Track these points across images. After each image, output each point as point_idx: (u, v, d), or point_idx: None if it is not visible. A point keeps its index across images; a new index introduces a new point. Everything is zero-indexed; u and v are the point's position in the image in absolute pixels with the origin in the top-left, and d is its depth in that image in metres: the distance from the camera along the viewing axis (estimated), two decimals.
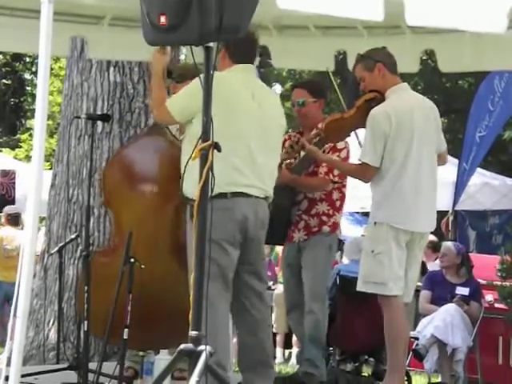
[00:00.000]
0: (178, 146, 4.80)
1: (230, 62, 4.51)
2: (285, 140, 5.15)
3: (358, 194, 9.60)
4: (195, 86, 4.01)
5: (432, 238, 9.83)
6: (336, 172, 5.29)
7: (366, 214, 12.43)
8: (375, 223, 4.87)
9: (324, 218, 5.31)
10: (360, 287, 4.93)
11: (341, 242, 10.65)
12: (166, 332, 4.43)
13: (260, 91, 4.57)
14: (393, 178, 4.84)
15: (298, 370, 5.31)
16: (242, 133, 4.38)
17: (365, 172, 4.90)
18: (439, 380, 7.46)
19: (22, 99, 22.97)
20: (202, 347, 3.17)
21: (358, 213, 13.38)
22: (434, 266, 8.78)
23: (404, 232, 4.83)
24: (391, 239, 4.81)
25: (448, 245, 8.05)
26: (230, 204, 4.32)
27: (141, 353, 4.59)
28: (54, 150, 9.19)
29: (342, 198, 5.41)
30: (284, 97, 15.18)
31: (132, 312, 4.16)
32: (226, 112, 4.31)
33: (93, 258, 4.62)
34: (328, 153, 5.28)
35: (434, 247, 9.24)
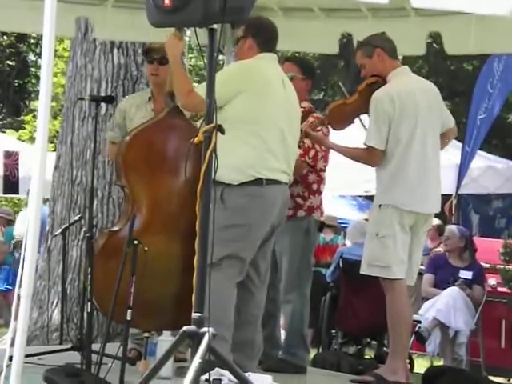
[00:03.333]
0: (197, 128, 4.79)
1: (257, 51, 4.55)
2: None
3: (361, 178, 9.63)
4: (230, 72, 4.03)
5: (437, 221, 9.85)
6: (311, 154, 5.23)
7: (369, 198, 12.46)
8: (380, 206, 4.86)
9: (299, 201, 5.23)
10: (364, 270, 4.93)
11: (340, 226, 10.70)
12: (176, 313, 4.45)
13: (286, 79, 4.63)
14: (398, 161, 4.84)
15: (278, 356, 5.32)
16: (277, 119, 4.44)
17: (371, 156, 4.89)
18: (441, 363, 7.48)
19: (25, 80, 22.95)
20: (204, 329, 3.18)
21: (360, 197, 13.39)
22: None
23: (409, 214, 4.83)
24: (396, 222, 4.81)
25: (452, 228, 8.05)
26: (264, 191, 4.38)
27: (145, 334, 4.60)
28: (57, 132, 9.18)
29: (320, 182, 5.30)
30: None
31: (145, 292, 4.19)
32: (262, 97, 4.38)
33: (108, 236, 4.63)
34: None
35: (441, 231, 9.24)
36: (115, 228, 4.75)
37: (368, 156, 4.92)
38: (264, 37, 4.55)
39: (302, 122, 5.13)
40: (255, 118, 4.35)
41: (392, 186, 4.84)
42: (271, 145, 4.40)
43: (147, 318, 4.48)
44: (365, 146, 4.91)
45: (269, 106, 4.41)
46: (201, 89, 4.39)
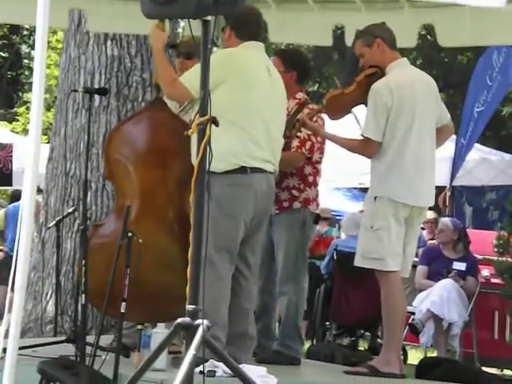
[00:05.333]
0: (180, 119, 4.80)
1: (237, 41, 4.54)
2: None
3: (356, 170, 9.63)
4: (212, 61, 3.99)
5: (434, 214, 9.87)
6: (308, 146, 5.23)
7: (364, 190, 12.46)
8: (375, 198, 4.86)
9: (294, 193, 5.21)
10: (358, 262, 4.92)
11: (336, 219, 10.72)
12: (168, 304, 4.44)
13: (272, 67, 4.62)
14: (395, 153, 4.83)
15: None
16: (260, 107, 4.42)
17: (368, 147, 4.88)
18: (435, 354, 7.50)
19: (19, 72, 22.88)
20: (199, 321, 3.18)
21: (355, 189, 13.40)
22: None
23: (404, 207, 4.83)
24: (390, 215, 4.80)
25: (445, 221, 8.07)
26: (249, 180, 4.38)
27: (138, 326, 4.59)
28: (51, 124, 9.17)
29: (316, 174, 5.28)
30: None
31: (133, 284, 4.18)
32: (245, 86, 4.38)
33: (93, 230, 4.62)
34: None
35: (437, 224, 9.26)
36: (99, 222, 4.75)
37: (364, 147, 4.91)
38: (241, 26, 4.51)
39: (297, 113, 5.13)
40: (237, 108, 4.32)
41: (388, 177, 4.84)
42: (254, 134, 4.39)
43: (137, 310, 4.46)
44: (360, 137, 4.91)
45: (251, 96, 4.39)
46: (184, 78, 4.40)
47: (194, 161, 4.26)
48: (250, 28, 4.54)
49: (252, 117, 4.40)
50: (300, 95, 5.32)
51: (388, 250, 4.81)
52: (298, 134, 5.15)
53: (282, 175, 5.14)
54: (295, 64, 5.33)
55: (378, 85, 4.85)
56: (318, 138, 5.26)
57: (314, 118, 5.16)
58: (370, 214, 4.90)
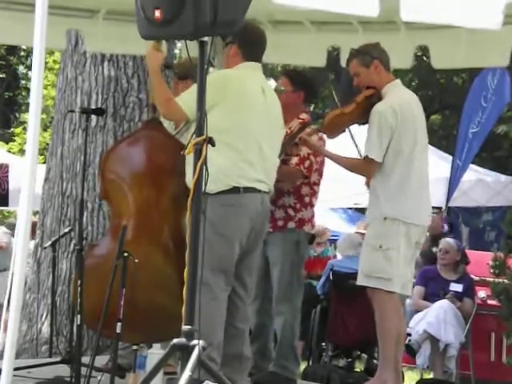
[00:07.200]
0: (175, 138, 4.81)
1: (241, 60, 4.56)
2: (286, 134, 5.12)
3: (351, 190, 9.64)
4: (208, 83, 4.03)
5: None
6: (307, 164, 5.25)
7: (359, 210, 12.46)
8: (385, 219, 4.82)
9: (290, 212, 5.23)
10: (361, 281, 4.89)
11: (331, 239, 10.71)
12: (164, 324, 4.43)
13: (267, 87, 4.64)
14: (401, 173, 4.85)
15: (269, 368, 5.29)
16: (254, 128, 4.43)
17: (370, 168, 4.90)
18: (431, 376, 7.47)
19: (16, 93, 22.92)
20: (195, 341, 3.17)
21: (350, 209, 13.41)
22: None
23: (416, 228, 4.83)
24: (401, 236, 4.79)
25: (449, 241, 7.99)
26: (242, 200, 4.37)
27: (134, 346, 4.58)
28: (47, 144, 9.17)
29: (312, 195, 5.30)
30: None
31: (129, 304, 4.16)
32: (239, 108, 4.39)
33: (88, 251, 4.62)
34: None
35: None
36: (95, 242, 4.74)
37: (366, 167, 4.94)
38: (250, 47, 4.55)
39: (299, 133, 5.16)
40: (231, 130, 4.34)
41: (397, 198, 4.83)
42: (247, 155, 4.39)
43: (133, 331, 4.44)
44: (364, 157, 4.93)
45: (245, 117, 4.40)
46: (180, 98, 4.41)
47: (188, 181, 4.32)
48: (257, 49, 4.59)
49: (246, 138, 4.40)
50: (304, 116, 5.35)
51: (396, 270, 4.79)
52: (298, 152, 5.17)
53: (279, 193, 5.15)
54: (304, 84, 5.37)
55: (382, 106, 4.87)
56: (318, 159, 5.28)
57: (313, 137, 5.19)
58: (378, 235, 4.86)
